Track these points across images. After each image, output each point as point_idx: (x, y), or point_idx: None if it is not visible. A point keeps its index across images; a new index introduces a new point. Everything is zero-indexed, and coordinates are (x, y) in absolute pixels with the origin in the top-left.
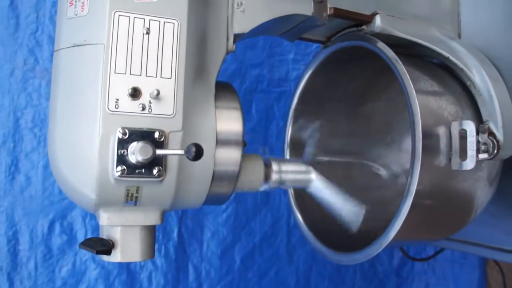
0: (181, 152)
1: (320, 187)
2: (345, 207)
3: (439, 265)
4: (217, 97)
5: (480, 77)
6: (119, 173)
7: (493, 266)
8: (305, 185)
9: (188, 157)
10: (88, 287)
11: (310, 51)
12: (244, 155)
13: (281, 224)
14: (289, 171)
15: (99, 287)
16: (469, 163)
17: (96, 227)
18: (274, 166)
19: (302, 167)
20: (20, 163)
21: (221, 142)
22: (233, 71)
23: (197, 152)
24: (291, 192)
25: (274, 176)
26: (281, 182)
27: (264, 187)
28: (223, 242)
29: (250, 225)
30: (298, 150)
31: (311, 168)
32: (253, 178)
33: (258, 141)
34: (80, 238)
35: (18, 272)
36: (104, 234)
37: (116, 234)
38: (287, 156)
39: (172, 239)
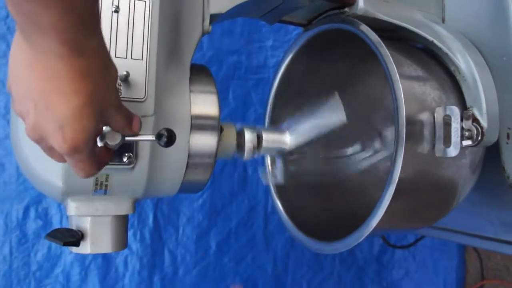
0: (151, 138)
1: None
2: None
3: (419, 252)
4: (192, 80)
5: (464, 62)
6: None
7: (471, 252)
8: (279, 154)
9: (159, 143)
10: (63, 271)
11: (290, 38)
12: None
13: (258, 210)
14: (264, 140)
15: (74, 271)
16: (453, 150)
17: None
18: (247, 135)
19: (277, 137)
20: None
21: (196, 127)
22: (209, 57)
23: (169, 138)
24: (271, 180)
25: (248, 145)
26: (254, 150)
27: (236, 155)
28: (198, 227)
29: (226, 211)
30: None
31: (286, 137)
32: (225, 146)
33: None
34: (56, 223)
35: None
36: (73, 225)
37: (85, 225)
38: None
39: (147, 224)
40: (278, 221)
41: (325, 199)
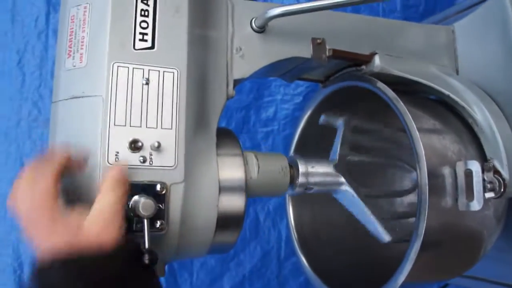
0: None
1: (349, 194)
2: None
3: None
4: (218, 144)
5: (481, 114)
6: None
7: None
8: (333, 189)
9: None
10: None
11: (300, 91)
12: (266, 154)
13: (271, 256)
14: (318, 173)
15: None
16: (476, 204)
17: None
18: (301, 168)
19: (331, 169)
20: None
21: (224, 190)
22: None
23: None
24: (294, 236)
25: (301, 179)
26: (308, 186)
27: (289, 192)
28: (212, 272)
29: (239, 257)
30: None
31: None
32: (277, 182)
33: None
34: None
35: None
36: None
37: None
38: (289, 198)
39: None
40: (292, 267)
41: (349, 251)
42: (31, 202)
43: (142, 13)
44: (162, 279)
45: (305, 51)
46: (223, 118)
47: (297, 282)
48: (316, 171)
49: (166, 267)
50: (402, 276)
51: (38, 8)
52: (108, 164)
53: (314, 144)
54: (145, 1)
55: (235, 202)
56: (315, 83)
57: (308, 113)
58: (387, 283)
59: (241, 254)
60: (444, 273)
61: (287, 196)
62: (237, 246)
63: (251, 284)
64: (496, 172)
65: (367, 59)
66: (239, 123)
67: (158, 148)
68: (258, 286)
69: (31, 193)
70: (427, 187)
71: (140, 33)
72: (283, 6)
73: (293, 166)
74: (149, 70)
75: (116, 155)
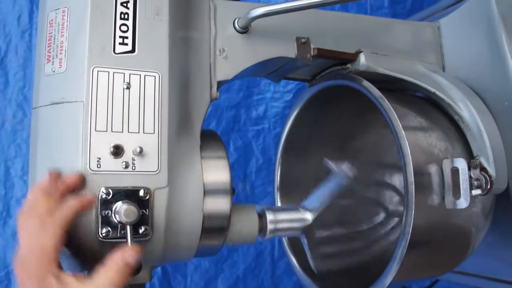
0: None
1: None
2: None
3: None
4: (202, 147)
5: (467, 111)
6: (103, 234)
7: None
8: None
9: None
10: None
11: (290, 88)
12: (236, 206)
13: (265, 256)
14: (285, 220)
15: None
16: (463, 202)
17: None
18: (269, 216)
19: (298, 215)
20: (11, 209)
21: (209, 193)
22: (208, 114)
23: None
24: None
25: (270, 226)
26: (276, 232)
27: (259, 239)
28: (206, 274)
29: (232, 258)
30: (288, 191)
31: (307, 215)
32: (247, 231)
33: (238, 177)
34: None
35: None
36: None
37: None
38: (278, 198)
39: (156, 272)
40: (286, 266)
41: (339, 252)
42: (27, 263)
43: (122, 16)
44: (156, 282)
45: (290, 50)
46: (213, 117)
47: (291, 281)
48: (283, 218)
49: (160, 269)
50: (390, 275)
51: (20, 6)
52: (90, 171)
53: (302, 144)
54: (125, 4)
55: (220, 205)
56: None
57: (295, 112)
58: (375, 283)
59: (235, 255)
60: (433, 271)
61: (277, 197)
62: (231, 247)
63: (245, 285)
64: (483, 169)
65: (352, 57)
66: (230, 122)
67: (140, 153)
68: (253, 286)
69: (27, 250)
70: (413, 185)
71: (120, 36)
72: (265, 6)
73: (262, 217)
74: (130, 74)
75: (98, 161)
